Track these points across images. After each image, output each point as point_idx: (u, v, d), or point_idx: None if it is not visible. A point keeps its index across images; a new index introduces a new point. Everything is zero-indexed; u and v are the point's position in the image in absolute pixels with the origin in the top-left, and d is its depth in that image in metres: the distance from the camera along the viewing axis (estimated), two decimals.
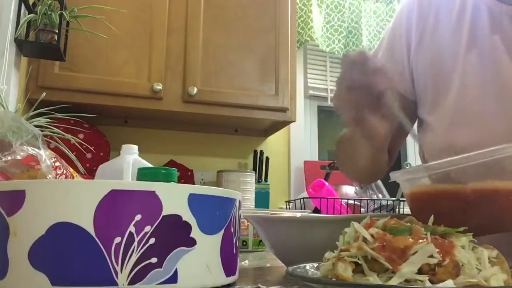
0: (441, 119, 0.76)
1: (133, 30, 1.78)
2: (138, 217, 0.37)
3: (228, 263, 0.44)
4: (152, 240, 0.38)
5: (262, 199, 2.04)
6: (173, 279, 0.38)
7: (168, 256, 0.38)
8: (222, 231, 0.43)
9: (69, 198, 0.37)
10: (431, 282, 0.35)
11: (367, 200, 1.84)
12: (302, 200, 1.82)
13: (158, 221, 0.38)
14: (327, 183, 1.87)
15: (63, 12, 1.48)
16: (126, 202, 0.38)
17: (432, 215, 0.44)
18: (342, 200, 1.80)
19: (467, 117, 0.73)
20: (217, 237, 0.43)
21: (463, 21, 0.76)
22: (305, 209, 1.77)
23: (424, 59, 0.79)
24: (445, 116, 0.75)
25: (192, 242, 0.40)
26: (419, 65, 0.80)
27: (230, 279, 0.45)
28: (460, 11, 0.77)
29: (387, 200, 1.84)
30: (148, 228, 0.38)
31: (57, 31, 1.47)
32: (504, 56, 0.71)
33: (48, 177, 0.70)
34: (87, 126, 1.81)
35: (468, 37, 0.74)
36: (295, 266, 0.45)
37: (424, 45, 0.80)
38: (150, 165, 1.17)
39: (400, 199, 1.89)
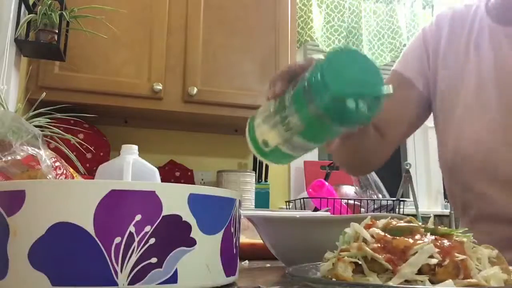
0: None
1: (133, 30, 1.78)
2: (138, 217, 0.37)
3: (228, 263, 0.44)
4: (152, 240, 0.38)
5: (262, 199, 2.04)
6: (173, 279, 0.38)
7: (168, 256, 0.38)
8: (222, 231, 0.43)
9: (69, 198, 0.37)
10: (431, 282, 0.36)
11: (367, 200, 1.84)
12: (302, 200, 1.82)
13: (158, 221, 0.38)
14: (327, 183, 1.87)
15: (63, 12, 1.48)
16: (126, 202, 0.38)
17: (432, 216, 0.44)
18: (342, 200, 1.80)
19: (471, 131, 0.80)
20: (217, 237, 0.43)
21: (470, 43, 0.84)
22: (305, 209, 1.77)
23: (440, 83, 0.87)
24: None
25: (192, 242, 0.40)
26: (438, 86, 0.87)
27: (230, 279, 0.45)
28: (469, 34, 0.85)
29: (387, 200, 1.84)
30: (148, 228, 0.38)
31: (57, 31, 1.47)
32: (493, 73, 0.79)
33: (48, 177, 0.70)
34: (87, 126, 1.81)
35: (473, 57, 0.82)
36: (295, 266, 0.45)
37: (439, 69, 0.87)
38: (150, 165, 1.17)
39: (400, 199, 1.90)
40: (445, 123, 0.85)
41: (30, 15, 1.45)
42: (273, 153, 0.55)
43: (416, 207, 2.24)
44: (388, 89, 0.49)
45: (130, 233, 0.37)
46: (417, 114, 0.90)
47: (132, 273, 0.37)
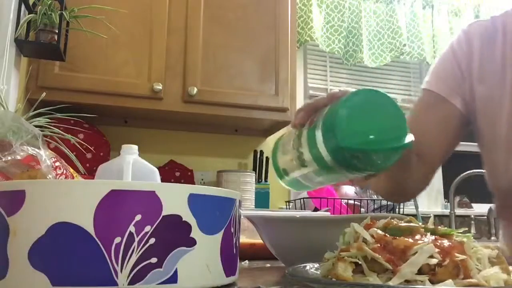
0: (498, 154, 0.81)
1: (133, 30, 1.78)
2: (138, 217, 0.37)
3: (228, 263, 0.44)
4: (152, 240, 0.38)
5: (262, 199, 2.04)
6: (173, 279, 0.38)
7: (168, 256, 0.38)
8: (222, 231, 0.43)
9: (69, 198, 0.37)
10: (431, 282, 0.36)
11: (367, 200, 1.84)
12: (302, 200, 1.82)
13: (158, 221, 0.38)
14: None
15: (63, 12, 1.48)
16: (126, 202, 0.38)
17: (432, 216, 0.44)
18: (342, 200, 1.80)
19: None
20: (217, 237, 0.43)
21: (505, 58, 0.80)
22: (305, 209, 1.77)
23: (478, 100, 0.83)
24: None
25: (192, 242, 0.40)
26: (476, 103, 0.83)
27: (230, 279, 0.45)
28: (502, 47, 0.81)
29: (387, 200, 1.84)
30: (148, 228, 0.38)
31: (57, 31, 1.47)
32: None
33: (48, 177, 0.70)
34: (87, 126, 1.81)
35: (511, 72, 0.79)
36: (295, 266, 0.45)
37: (474, 84, 0.83)
38: (150, 165, 1.17)
39: None
40: (490, 143, 0.81)
41: (30, 15, 1.45)
42: (292, 182, 0.54)
43: (416, 207, 2.24)
44: (408, 139, 0.45)
45: (130, 233, 0.37)
46: (455, 133, 0.85)
47: (132, 273, 0.37)
